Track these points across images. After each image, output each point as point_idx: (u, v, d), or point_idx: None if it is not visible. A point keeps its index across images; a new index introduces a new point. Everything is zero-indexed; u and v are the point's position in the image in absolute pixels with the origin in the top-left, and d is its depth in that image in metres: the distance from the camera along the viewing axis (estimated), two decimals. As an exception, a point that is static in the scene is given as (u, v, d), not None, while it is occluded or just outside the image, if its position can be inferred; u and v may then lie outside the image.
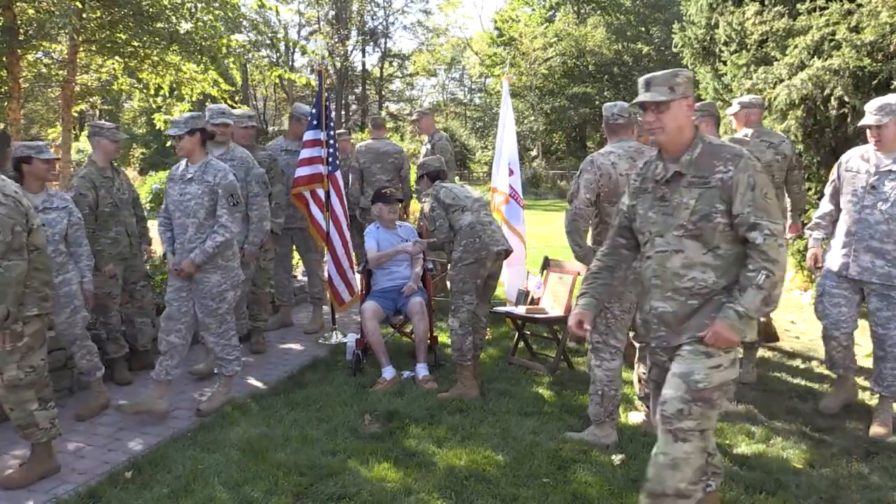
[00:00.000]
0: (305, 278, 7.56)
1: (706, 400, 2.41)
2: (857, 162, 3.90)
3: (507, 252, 4.55)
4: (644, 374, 3.82)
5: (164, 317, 4.13)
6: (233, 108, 6.83)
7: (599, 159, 3.63)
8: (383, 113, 30.87)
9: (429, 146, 6.85)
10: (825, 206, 4.14)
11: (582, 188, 3.63)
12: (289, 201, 5.61)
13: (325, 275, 5.86)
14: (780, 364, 5.03)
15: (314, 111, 5.61)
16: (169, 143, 4.58)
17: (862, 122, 3.82)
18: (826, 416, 4.08)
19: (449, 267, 4.79)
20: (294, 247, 6.22)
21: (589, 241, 3.78)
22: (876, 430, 3.81)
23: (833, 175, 4.08)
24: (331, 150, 5.56)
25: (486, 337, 5.29)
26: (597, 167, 3.60)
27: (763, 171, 2.43)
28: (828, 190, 4.14)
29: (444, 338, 5.36)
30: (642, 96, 2.51)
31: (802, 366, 4.99)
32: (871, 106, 3.79)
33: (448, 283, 5.75)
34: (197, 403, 4.26)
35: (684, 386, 2.42)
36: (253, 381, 4.72)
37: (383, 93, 38.91)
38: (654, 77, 2.51)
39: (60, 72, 8.02)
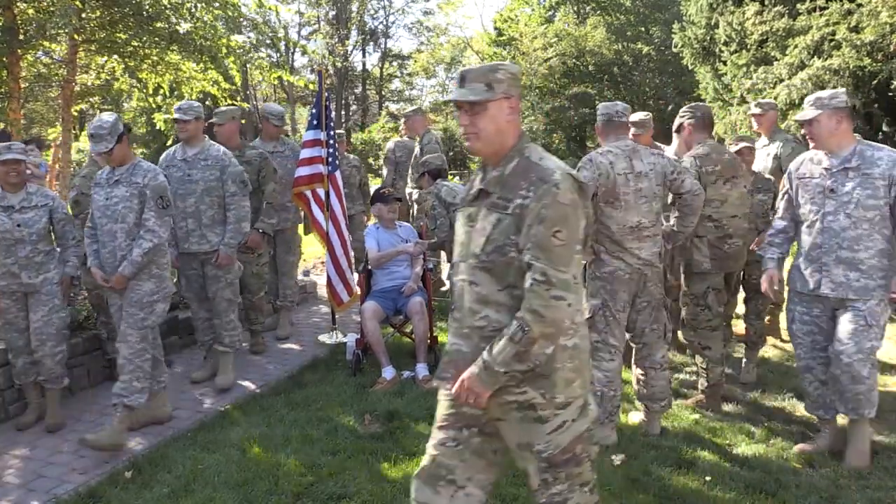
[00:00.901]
0: (307, 278, 7.59)
1: (565, 462, 2.05)
2: (809, 166, 3.49)
3: None
4: (642, 375, 3.82)
5: (118, 341, 3.78)
6: (232, 106, 6.83)
7: (598, 158, 3.59)
8: (384, 113, 30.86)
9: (419, 147, 6.87)
10: (778, 222, 3.66)
11: None
12: (282, 202, 5.53)
13: (325, 276, 5.85)
14: (780, 364, 5.03)
15: (314, 111, 5.61)
16: (169, 143, 4.56)
17: (795, 118, 3.72)
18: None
19: (448, 266, 4.77)
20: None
21: None
22: (853, 462, 3.40)
23: (784, 186, 3.63)
24: (330, 150, 5.56)
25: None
26: (596, 165, 3.55)
27: (570, 205, 1.93)
28: (780, 204, 3.67)
29: (444, 338, 5.36)
30: (455, 93, 2.08)
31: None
32: (805, 100, 3.52)
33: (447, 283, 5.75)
34: (197, 405, 4.26)
35: (532, 458, 2.04)
36: (253, 381, 4.72)
37: (383, 93, 38.89)
38: (469, 71, 2.08)
39: (60, 71, 8.02)
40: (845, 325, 3.32)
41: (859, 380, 3.27)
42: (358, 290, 5.46)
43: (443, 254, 5.09)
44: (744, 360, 4.76)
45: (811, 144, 3.52)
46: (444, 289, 6.60)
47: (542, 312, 1.88)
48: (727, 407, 4.19)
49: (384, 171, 7.54)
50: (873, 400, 3.33)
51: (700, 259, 4.12)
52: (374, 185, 12.05)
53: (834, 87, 5.78)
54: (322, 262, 6.55)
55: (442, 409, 2.20)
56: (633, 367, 3.87)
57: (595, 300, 3.64)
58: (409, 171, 6.95)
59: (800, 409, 4.18)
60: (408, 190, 7.01)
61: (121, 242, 3.75)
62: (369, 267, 5.10)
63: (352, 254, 5.75)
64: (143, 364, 3.73)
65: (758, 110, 5.15)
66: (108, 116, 3.73)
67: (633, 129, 4.71)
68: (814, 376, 3.55)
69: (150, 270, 3.77)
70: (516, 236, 1.96)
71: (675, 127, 4.41)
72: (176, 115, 4.58)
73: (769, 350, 5.28)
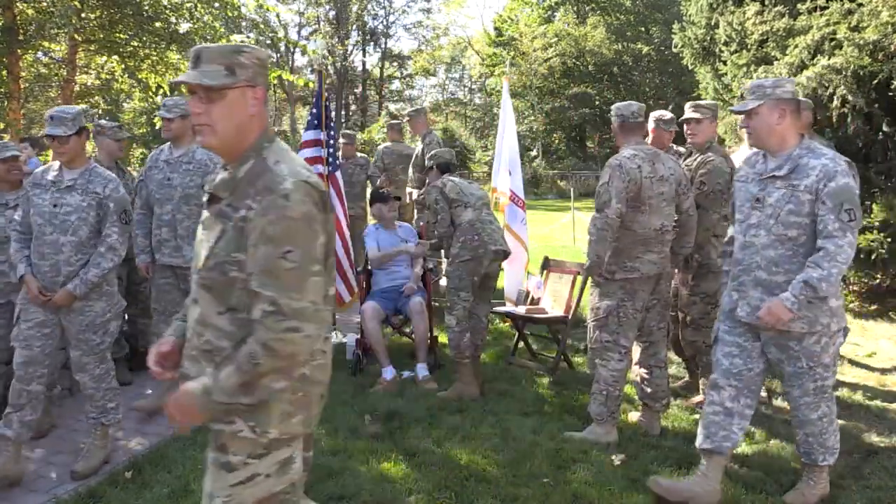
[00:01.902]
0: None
1: None
2: (745, 168, 3.06)
3: (506, 253, 4.54)
4: (646, 373, 3.82)
5: (21, 362, 3.30)
6: None
7: (627, 164, 3.52)
8: (384, 113, 30.87)
9: (421, 147, 6.88)
10: (730, 228, 3.24)
11: (614, 198, 3.47)
12: None
13: None
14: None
15: (314, 111, 5.61)
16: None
17: (732, 108, 3.21)
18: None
19: (446, 263, 4.77)
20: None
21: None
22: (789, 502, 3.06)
23: (734, 188, 3.20)
24: (330, 150, 5.56)
25: (486, 337, 5.29)
26: (625, 172, 3.49)
27: (302, 220, 1.64)
28: (732, 208, 3.25)
29: (444, 338, 5.36)
30: (187, 74, 1.73)
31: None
32: (745, 88, 3.06)
33: (442, 281, 5.76)
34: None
35: None
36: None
37: (383, 93, 38.89)
38: (206, 49, 1.74)
39: (60, 71, 8.03)
40: (786, 367, 2.93)
41: (810, 423, 2.93)
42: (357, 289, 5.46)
43: (443, 253, 5.09)
44: None
45: (749, 141, 3.21)
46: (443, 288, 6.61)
47: (275, 347, 1.60)
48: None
49: (372, 177, 7.48)
50: (829, 446, 2.95)
51: (718, 258, 4.07)
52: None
53: (835, 87, 5.77)
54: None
55: None
56: (636, 366, 3.87)
57: (610, 301, 3.62)
58: (410, 172, 6.96)
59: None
60: (408, 189, 7.02)
61: (68, 257, 3.29)
62: (370, 267, 5.10)
63: (353, 253, 5.73)
64: (110, 384, 3.49)
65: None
66: (73, 107, 3.44)
67: (663, 126, 4.51)
68: (719, 398, 3.02)
69: (100, 288, 3.36)
70: (238, 254, 1.66)
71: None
72: (161, 113, 4.20)
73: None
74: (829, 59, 5.80)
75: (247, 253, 1.64)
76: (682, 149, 4.75)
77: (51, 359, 3.36)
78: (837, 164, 2.78)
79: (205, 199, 1.81)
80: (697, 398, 4.23)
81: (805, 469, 3.08)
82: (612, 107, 3.79)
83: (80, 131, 3.30)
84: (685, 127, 4.15)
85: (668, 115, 4.43)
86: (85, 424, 3.98)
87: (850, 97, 5.66)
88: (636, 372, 3.87)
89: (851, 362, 5.12)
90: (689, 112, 4.11)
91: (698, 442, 3.08)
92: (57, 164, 3.38)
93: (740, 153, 4.57)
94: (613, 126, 3.75)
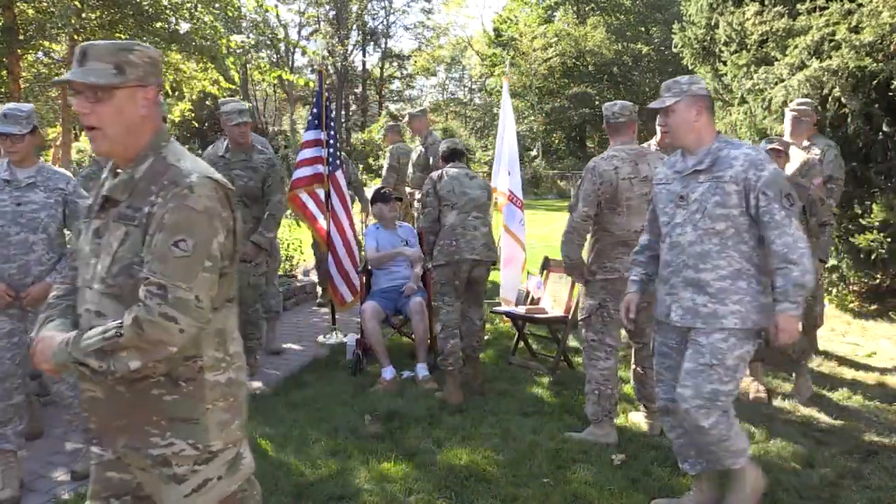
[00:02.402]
0: (306, 278, 7.60)
1: None
2: (665, 170, 2.97)
3: (485, 262, 4.40)
4: (642, 375, 3.82)
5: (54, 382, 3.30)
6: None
7: (602, 165, 3.56)
8: (384, 113, 30.88)
9: (422, 148, 6.89)
10: (643, 236, 3.15)
11: (581, 202, 3.53)
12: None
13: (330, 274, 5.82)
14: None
15: (315, 111, 5.61)
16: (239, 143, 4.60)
17: (650, 105, 3.04)
18: (826, 416, 4.08)
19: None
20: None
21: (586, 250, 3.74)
22: None
23: (653, 192, 3.08)
24: (330, 150, 5.56)
25: (486, 337, 5.29)
26: (598, 175, 3.52)
27: (204, 213, 1.62)
28: (647, 215, 3.15)
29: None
30: (73, 72, 1.64)
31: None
32: (662, 87, 2.98)
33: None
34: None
35: None
36: (253, 382, 4.72)
37: (383, 93, 38.90)
38: (93, 46, 1.65)
39: (60, 71, 8.03)
40: (685, 362, 2.76)
41: (701, 431, 2.70)
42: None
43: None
44: (798, 377, 4.43)
45: (665, 140, 3.16)
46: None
47: (144, 327, 1.55)
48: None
49: (385, 173, 7.58)
50: (734, 450, 2.75)
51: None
52: (375, 184, 12.07)
53: (832, 88, 5.78)
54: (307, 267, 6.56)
55: (91, 477, 1.83)
56: (632, 365, 3.88)
57: (593, 301, 3.64)
58: (411, 172, 6.96)
59: (800, 409, 4.18)
60: (407, 190, 7.02)
61: (40, 256, 3.21)
62: (369, 267, 5.10)
63: (356, 252, 5.71)
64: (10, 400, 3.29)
65: (795, 114, 4.95)
66: (27, 105, 3.35)
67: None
68: (675, 421, 2.92)
69: None
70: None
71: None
72: None
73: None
74: (823, 61, 5.80)
75: (145, 242, 1.61)
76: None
77: (23, 367, 3.24)
78: (759, 153, 2.73)
79: (96, 204, 1.73)
80: None
81: (694, 480, 2.95)
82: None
83: (33, 130, 3.24)
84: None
85: None
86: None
87: (845, 98, 5.66)
88: (634, 372, 3.88)
89: (851, 362, 5.13)
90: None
91: (680, 466, 3.01)
92: (5, 162, 3.26)
93: (794, 159, 4.63)
94: (605, 126, 3.79)
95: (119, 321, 1.58)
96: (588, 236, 3.73)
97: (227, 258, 1.71)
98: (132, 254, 1.62)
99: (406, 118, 7.40)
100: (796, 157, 4.68)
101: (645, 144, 4.95)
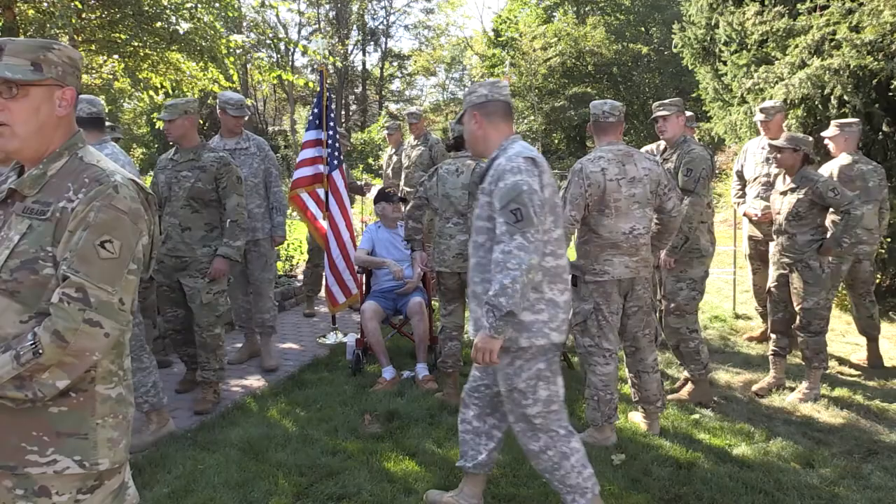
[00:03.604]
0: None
1: None
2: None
3: (457, 273, 4.18)
4: (635, 378, 3.82)
5: None
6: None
7: (588, 167, 3.50)
8: (384, 112, 30.89)
9: (423, 149, 6.96)
10: None
11: (568, 205, 3.48)
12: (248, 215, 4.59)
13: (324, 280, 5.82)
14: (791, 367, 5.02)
15: (315, 111, 5.62)
16: (172, 143, 4.38)
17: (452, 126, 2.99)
18: (826, 416, 4.08)
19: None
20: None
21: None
22: None
23: None
24: (329, 151, 5.55)
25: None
26: (584, 177, 3.47)
27: (129, 214, 1.55)
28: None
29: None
30: None
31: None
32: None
33: None
34: (195, 404, 4.24)
35: None
36: (253, 382, 4.71)
37: (383, 93, 38.90)
38: (11, 43, 1.59)
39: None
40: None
41: (532, 456, 2.70)
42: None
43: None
44: (808, 382, 4.36)
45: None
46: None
47: (68, 338, 1.44)
48: (724, 404, 4.20)
49: (391, 174, 7.70)
50: (570, 484, 2.62)
51: (706, 244, 4.20)
52: (376, 184, 12.08)
53: (833, 87, 5.78)
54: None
55: None
56: (626, 370, 3.88)
57: (587, 304, 3.61)
58: (415, 172, 7.02)
59: (800, 409, 4.18)
60: (407, 189, 7.06)
61: None
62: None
63: (352, 255, 5.70)
64: None
65: (761, 116, 5.08)
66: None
67: (760, 116, 5.06)
68: (468, 416, 2.90)
69: None
70: (54, 248, 1.51)
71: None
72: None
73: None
74: (824, 59, 5.80)
75: (63, 239, 1.51)
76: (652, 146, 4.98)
77: None
78: (511, 162, 2.54)
79: None
80: (682, 393, 4.31)
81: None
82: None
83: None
84: (656, 126, 4.29)
85: (688, 113, 4.73)
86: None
87: (846, 97, 5.66)
88: (628, 375, 3.89)
89: (851, 362, 5.13)
90: (656, 111, 4.30)
91: (459, 460, 2.96)
92: None
93: (836, 161, 4.82)
94: (590, 125, 3.73)
95: (31, 340, 1.45)
96: (574, 238, 3.69)
97: (143, 262, 1.62)
98: (36, 248, 1.52)
99: (406, 118, 7.46)
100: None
101: (652, 146, 4.98)
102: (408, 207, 4.51)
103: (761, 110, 5.14)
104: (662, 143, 4.58)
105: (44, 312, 1.50)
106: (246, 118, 4.96)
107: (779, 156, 4.26)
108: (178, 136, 4.16)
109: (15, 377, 1.45)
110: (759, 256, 5.46)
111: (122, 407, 1.64)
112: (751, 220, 5.40)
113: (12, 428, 1.52)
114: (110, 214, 1.52)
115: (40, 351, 1.44)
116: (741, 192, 5.55)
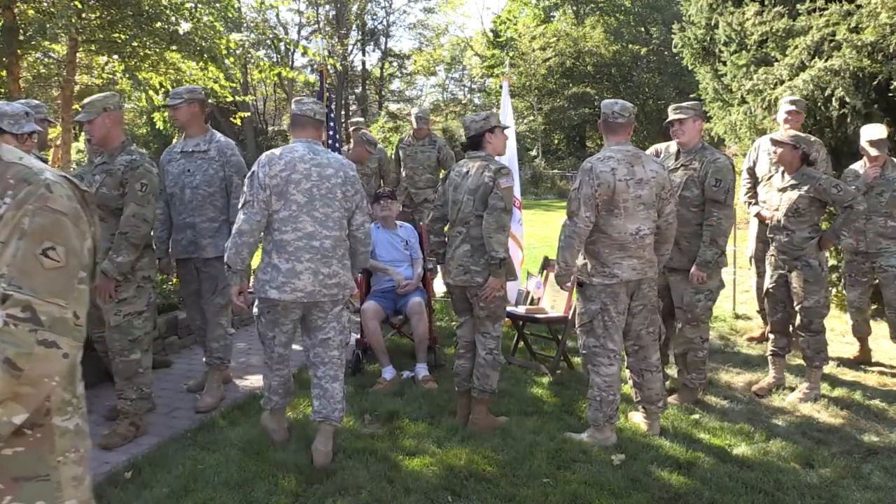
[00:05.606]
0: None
1: None
2: None
3: (457, 286, 3.87)
4: (637, 378, 3.82)
5: None
6: (234, 105, 6.79)
7: (598, 167, 3.51)
8: (384, 112, 30.89)
9: (430, 152, 6.99)
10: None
11: (583, 206, 3.48)
12: (181, 224, 4.24)
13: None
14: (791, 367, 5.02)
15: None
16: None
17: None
18: (826, 416, 4.08)
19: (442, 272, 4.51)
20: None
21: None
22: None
23: None
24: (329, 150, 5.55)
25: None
26: (595, 176, 3.47)
27: (70, 215, 1.32)
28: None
29: (444, 338, 5.37)
30: None
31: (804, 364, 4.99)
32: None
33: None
34: (196, 403, 4.24)
35: None
36: (253, 382, 4.71)
37: (383, 93, 38.89)
38: None
39: (60, 71, 8.03)
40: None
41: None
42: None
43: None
44: (808, 381, 4.38)
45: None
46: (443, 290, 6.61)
47: (21, 364, 1.21)
48: (724, 403, 4.20)
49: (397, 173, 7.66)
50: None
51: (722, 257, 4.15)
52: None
53: (834, 89, 5.78)
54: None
55: None
56: (628, 370, 3.88)
57: (594, 305, 3.61)
58: (423, 174, 7.00)
59: (800, 409, 4.18)
60: (412, 191, 7.05)
61: None
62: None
63: None
64: None
65: (791, 107, 4.90)
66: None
67: (789, 108, 4.89)
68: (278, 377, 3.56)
69: None
70: None
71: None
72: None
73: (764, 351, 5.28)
74: (826, 60, 5.80)
75: None
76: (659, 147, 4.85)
77: None
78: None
79: None
80: (684, 394, 4.28)
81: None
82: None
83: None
84: (671, 129, 4.17)
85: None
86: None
87: (847, 98, 5.66)
88: (629, 376, 3.88)
89: (851, 362, 5.13)
90: (672, 114, 4.16)
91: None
92: None
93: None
94: (600, 124, 3.71)
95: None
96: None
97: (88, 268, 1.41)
98: None
99: (412, 117, 7.33)
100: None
101: (661, 146, 4.90)
102: (428, 220, 4.36)
103: (791, 102, 4.97)
104: (673, 145, 4.39)
105: None
106: (195, 110, 4.27)
107: (778, 150, 4.26)
108: (100, 138, 3.70)
109: None
110: (766, 260, 5.40)
111: (80, 440, 1.43)
112: (763, 222, 5.16)
113: None
114: (48, 218, 1.28)
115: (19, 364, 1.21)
116: (752, 191, 5.35)
